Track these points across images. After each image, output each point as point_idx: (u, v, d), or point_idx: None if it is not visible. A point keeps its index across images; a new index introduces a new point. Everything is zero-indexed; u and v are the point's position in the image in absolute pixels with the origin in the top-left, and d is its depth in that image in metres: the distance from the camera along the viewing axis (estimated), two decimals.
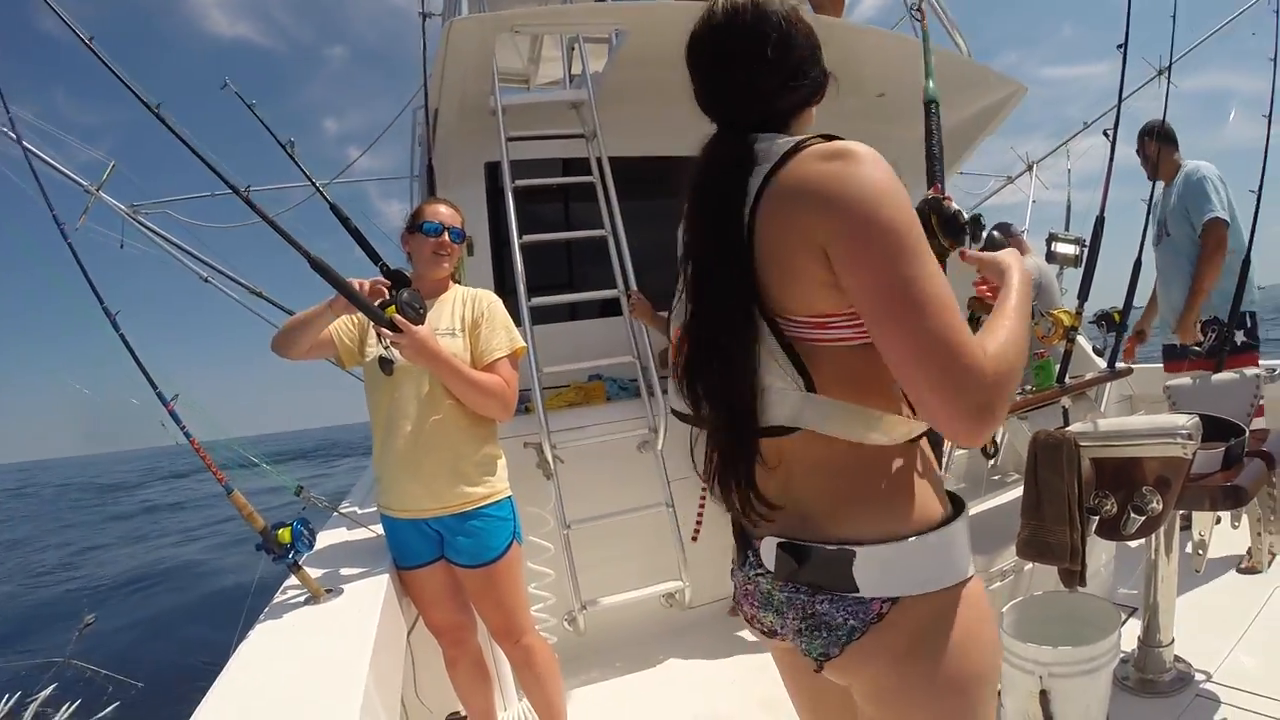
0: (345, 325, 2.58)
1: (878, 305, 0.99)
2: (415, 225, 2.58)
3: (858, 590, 1.08)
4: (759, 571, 1.19)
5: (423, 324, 2.35)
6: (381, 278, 2.43)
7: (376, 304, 2.30)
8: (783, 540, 1.13)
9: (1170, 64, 4.14)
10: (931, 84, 2.88)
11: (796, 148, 1.08)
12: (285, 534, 2.17)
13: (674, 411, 1.30)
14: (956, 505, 1.18)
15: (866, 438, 1.10)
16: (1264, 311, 4.11)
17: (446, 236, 2.56)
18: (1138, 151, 4.25)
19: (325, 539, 2.89)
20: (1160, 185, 4.24)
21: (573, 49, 4.73)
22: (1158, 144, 4.04)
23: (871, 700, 1.15)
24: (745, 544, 1.23)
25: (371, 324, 2.40)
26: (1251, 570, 3.56)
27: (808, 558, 1.11)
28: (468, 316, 2.55)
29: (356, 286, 2.29)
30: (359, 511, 3.26)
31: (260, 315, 5.71)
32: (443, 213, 2.59)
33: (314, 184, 3.30)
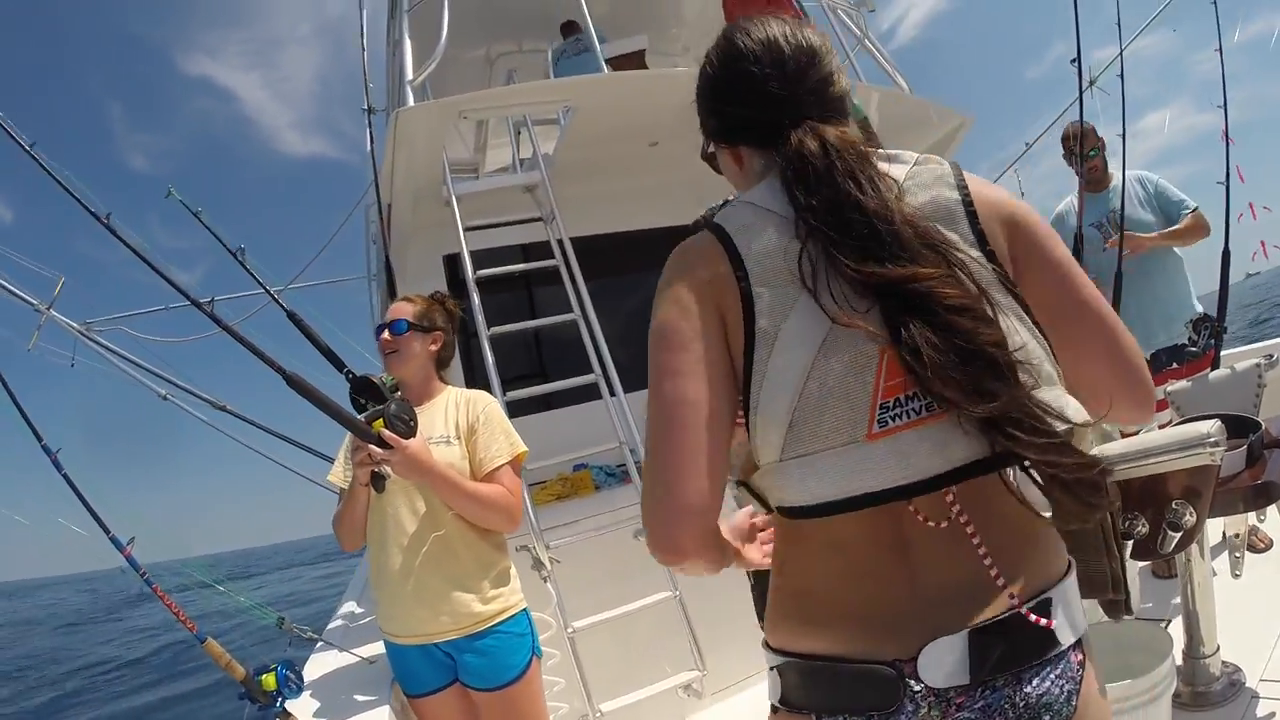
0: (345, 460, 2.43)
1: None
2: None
3: (1059, 644, 0.93)
4: (925, 707, 0.92)
5: (414, 436, 2.17)
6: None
7: (363, 418, 2.15)
8: (972, 629, 0.91)
9: (1122, 74, 4.12)
10: (858, 101, 2.75)
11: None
12: (270, 680, 2.02)
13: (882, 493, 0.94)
14: None
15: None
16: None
17: (386, 334, 2.40)
18: (1074, 156, 4.05)
19: (313, 669, 2.71)
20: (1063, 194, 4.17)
21: (520, 132, 4.72)
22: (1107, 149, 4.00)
23: None
24: (888, 689, 0.93)
25: (350, 439, 2.25)
26: (1254, 549, 3.51)
27: (1010, 632, 0.92)
28: (463, 422, 2.38)
29: None
30: (349, 629, 3.06)
31: (226, 432, 5.52)
32: (393, 308, 2.47)
33: (269, 292, 3.19)
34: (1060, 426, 0.90)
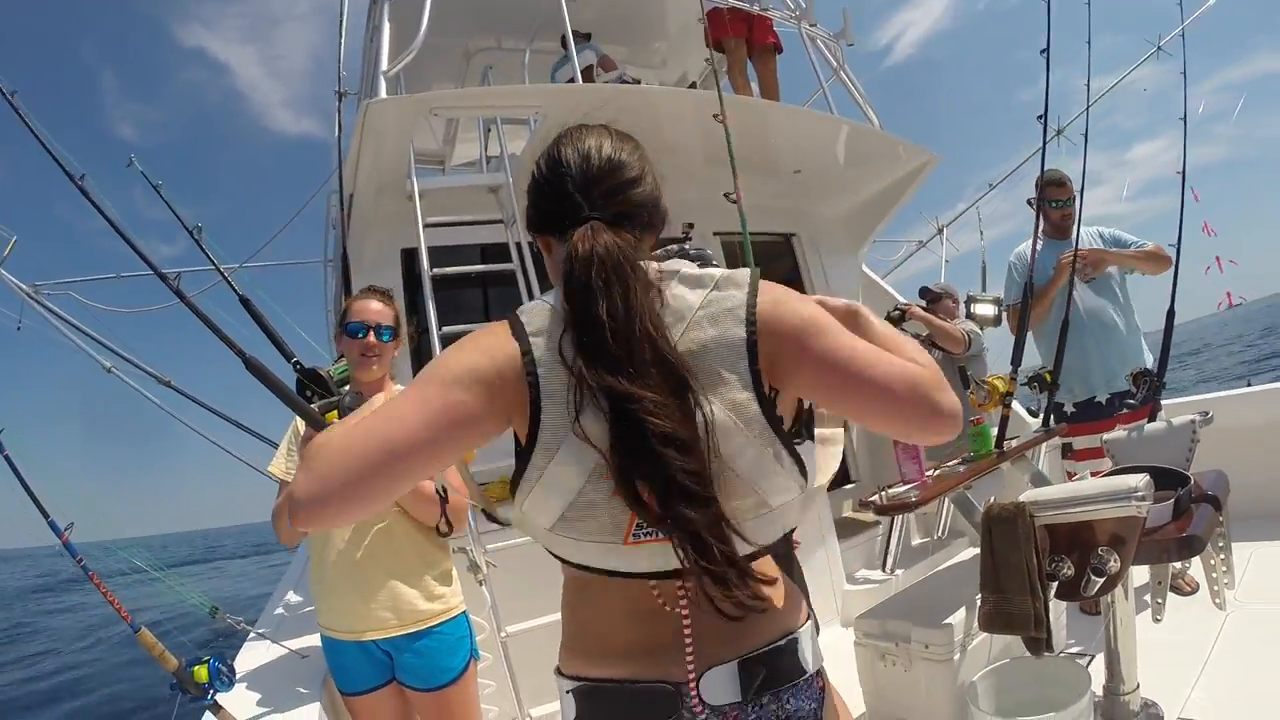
0: (288, 452, 2.41)
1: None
2: (342, 325, 2.43)
3: (806, 670, 1.19)
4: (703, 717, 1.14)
5: None
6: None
7: (317, 408, 2.15)
8: (741, 659, 1.14)
9: (1087, 127, 4.23)
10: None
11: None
12: (202, 672, 2.00)
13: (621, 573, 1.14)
14: None
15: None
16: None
17: (372, 337, 2.38)
18: (1045, 203, 4.09)
19: (245, 661, 2.66)
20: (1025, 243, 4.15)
21: (490, 130, 4.70)
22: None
23: None
24: (669, 703, 1.13)
25: (295, 430, 2.22)
26: (1180, 591, 3.63)
27: (770, 661, 1.15)
28: None
29: None
30: (283, 621, 3.02)
31: (169, 410, 5.40)
32: (372, 309, 2.42)
33: (223, 275, 3.14)
34: (743, 549, 1.08)
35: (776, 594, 1.18)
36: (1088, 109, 4.17)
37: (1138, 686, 2.66)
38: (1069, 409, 4.06)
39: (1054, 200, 4.09)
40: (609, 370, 1.04)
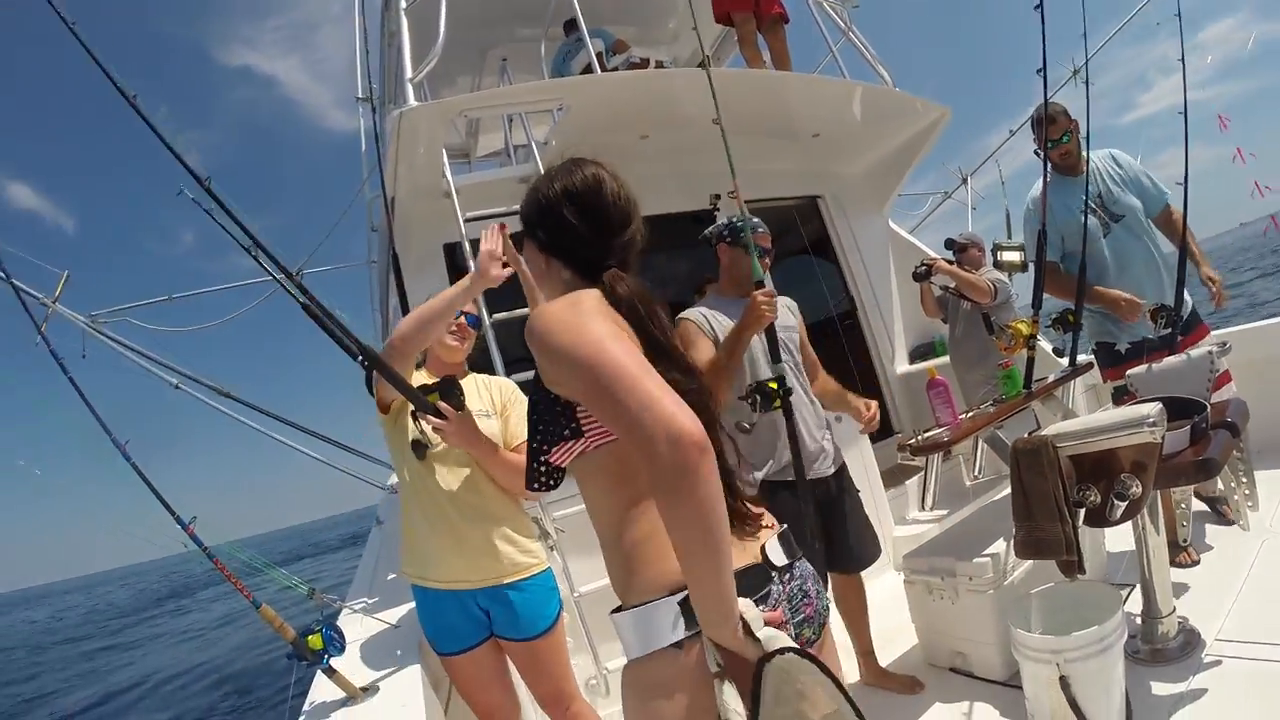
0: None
1: None
2: None
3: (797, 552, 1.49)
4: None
5: (463, 409, 2.40)
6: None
7: (419, 388, 2.38)
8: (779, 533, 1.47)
9: (1085, 64, 4.25)
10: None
11: None
12: (317, 640, 2.21)
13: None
14: None
15: None
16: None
17: (464, 319, 2.65)
18: (1046, 141, 3.96)
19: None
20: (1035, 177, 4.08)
21: (512, 120, 4.85)
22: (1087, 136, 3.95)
23: None
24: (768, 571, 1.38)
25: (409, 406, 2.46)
26: (1224, 517, 3.72)
27: (786, 535, 1.49)
28: (497, 400, 2.66)
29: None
30: (371, 597, 3.26)
31: (235, 416, 5.68)
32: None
33: (280, 283, 3.35)
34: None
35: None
36: (1086, 63, 4.20)
37: (1174, 610, 2.78)
38: (1123, 349, 3.94)
39: (1049, 140, 3.94)
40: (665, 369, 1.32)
